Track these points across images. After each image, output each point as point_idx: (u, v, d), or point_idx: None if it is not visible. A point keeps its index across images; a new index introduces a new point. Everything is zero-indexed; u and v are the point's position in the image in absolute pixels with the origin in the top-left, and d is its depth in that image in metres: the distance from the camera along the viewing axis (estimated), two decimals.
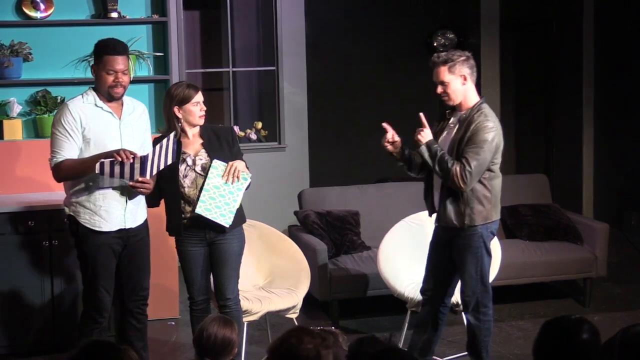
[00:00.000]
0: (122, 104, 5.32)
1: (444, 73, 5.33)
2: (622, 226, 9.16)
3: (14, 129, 6.65)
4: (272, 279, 6.21)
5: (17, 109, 6.66)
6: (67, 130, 5.17)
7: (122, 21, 6.85)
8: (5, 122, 6.64)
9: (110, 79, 5.20)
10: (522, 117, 10.01)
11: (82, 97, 5.28)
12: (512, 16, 9.54)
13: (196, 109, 5.35)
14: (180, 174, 5.33)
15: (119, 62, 5.22)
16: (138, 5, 6.97)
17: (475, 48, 9.38)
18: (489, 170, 5.38)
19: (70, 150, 5.17)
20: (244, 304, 5.72)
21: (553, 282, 7.39)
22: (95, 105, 5.25)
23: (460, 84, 5.34)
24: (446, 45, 9.51)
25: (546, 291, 7.41)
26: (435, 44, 9.45)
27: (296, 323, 6.05)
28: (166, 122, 5.46)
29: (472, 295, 5.49)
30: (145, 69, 6.96)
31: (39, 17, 6.77)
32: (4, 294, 6.21)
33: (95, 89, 5.29)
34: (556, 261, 7.07)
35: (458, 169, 5.26)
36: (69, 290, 6.26)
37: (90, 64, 5.36)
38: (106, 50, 5.23)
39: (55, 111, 6.08)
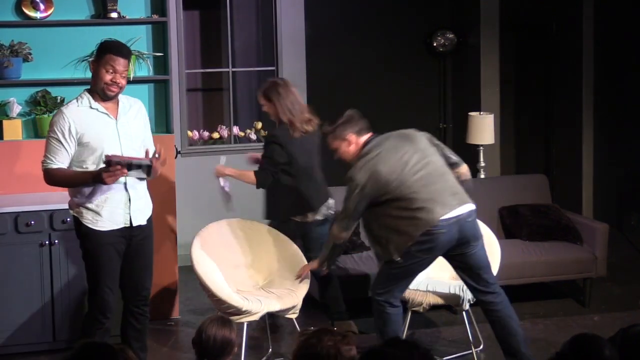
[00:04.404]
0: (117, 104, 5.31)
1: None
2: (622, 226, 9.15)
3: (14, 129, 6.65)
4: (271, 279, 6.20)
5: (16, 109, 6.66)
6: (59, 138, 5.16)
7: (121, 21, 6.85)
8: (5, 122, 6.64)
9: (108, 77, 5.18)
10: (522, 117, 10.01)
11: (77, 100, 5.27)
12: (512, 17, 9.53)
13: None
14: None
15: (121, 63, 5.21)
16: (138, 5, 6.96)
17: (475, 48, 9.39)
18: (399, 200, 5.42)
19: (62, 157, 5.18)
20: (244, 304, 5.72)
21: (553, 282, 7.38)
22: (90, 107, 5.23)
23: (346, 146, 5.88)
24: (446, 45, 9.50)
25: (546, 291, 7.40)
26: (435, 44, 9.44)
27: (296, 323, 6.05)
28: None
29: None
30: (145, 69, 6.95)
31: (38, 17, 6.77)
32: (3, 294, 6.21)
33: (89, 91, 5.27)
34: (556, 261, 7.07)
35: (333, 230, 5.70)
36: (69, 290, 6.25)
37: (90, 60, 5.33)
38: (111, 49, 5.23)
39: (53, 113, 6.06)
